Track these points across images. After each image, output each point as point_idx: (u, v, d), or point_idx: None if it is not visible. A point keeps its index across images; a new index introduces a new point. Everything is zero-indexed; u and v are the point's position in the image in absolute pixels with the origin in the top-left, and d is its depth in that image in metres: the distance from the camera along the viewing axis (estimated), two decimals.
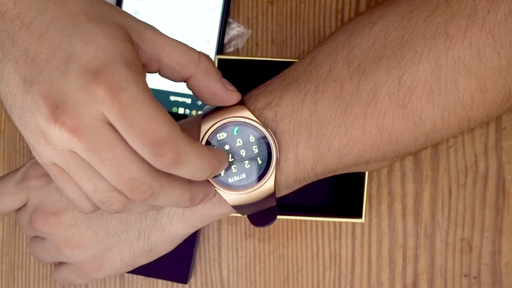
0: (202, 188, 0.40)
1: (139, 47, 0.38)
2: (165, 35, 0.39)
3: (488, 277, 0.58)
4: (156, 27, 0.39)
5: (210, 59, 0.40)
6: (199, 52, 0.40)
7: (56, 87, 0.35)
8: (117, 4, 0.58)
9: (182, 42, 0.39)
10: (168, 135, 0.35)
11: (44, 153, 0.36)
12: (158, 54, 0.38)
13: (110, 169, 0.35)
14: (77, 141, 0.34)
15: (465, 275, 0.58)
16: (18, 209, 0.47)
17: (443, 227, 0.58)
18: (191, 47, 0.39)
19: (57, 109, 0.34)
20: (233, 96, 0.41)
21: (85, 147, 0.35)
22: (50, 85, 0.35)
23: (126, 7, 0.57)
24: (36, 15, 0.36)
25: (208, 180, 0.41)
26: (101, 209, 0.43)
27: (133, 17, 0.39)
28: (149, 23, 0.39)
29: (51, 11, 0.36)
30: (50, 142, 0.35)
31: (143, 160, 0.36)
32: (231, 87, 0.41)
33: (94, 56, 0.34)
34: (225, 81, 0.41)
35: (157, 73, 0.40)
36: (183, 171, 0.36)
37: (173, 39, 0.39)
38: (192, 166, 0.36)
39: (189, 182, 0.38)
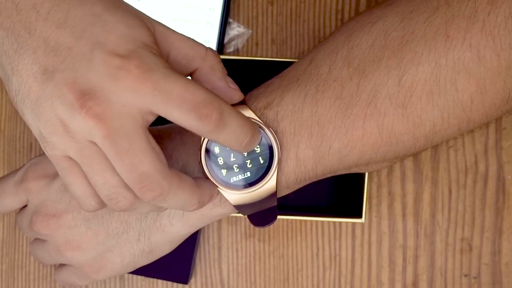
0: (208, 190, 0.40)
1: (154, 37, 0.38)
2: (174, 30, 0.39)
3: (488, 277, 0.58)
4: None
5: (218, 55, 0.40)
6: (207, 48, 0.40)
7: (82, 75, 0.34)
8: None
9: (190, 38, 0.40)
10: (208, 97, 0.35)
11: (58, 144, 0.36)
12: (168, 48, 0.38)
13: (124, 160, 0.35)
14: (99, 128, 0.34)
15: (465, 275, 0.58)
16: (19, 211, 0.47)
17: (443, 227, 0.58)
18: (199, 43, 0.40)
19: (84, 96, 0.34)
20: (234, 94, 0.41)
21: (105, 134, 0.35)
22: (75, 73, 0.35)
23: None
24: (53, 6, 0.36)
25: (210, 180, 0.41)
26: (101, 211, 0.43)
27: (142, 12, 0.39)
28: (163, 23, 0.40)
29: (68, 1, 0.36)
30: (70, 130, 0.35)
31: (157, 156, 0.36)
32: (234, 86, 0.41)
33: (118, 44, 0.35)
34: (229, 79, 0.41)
35: None
36: (227, 133, 0.37)
37: (182, 34, 0.39)
38: (235, 127, 0.37)
39: (197, 185, 0.39)
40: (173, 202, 0.38)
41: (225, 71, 0.40)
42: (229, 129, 0.37)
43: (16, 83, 0.36)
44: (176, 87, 0.35)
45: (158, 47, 0.38)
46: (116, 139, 0.35)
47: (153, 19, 0.39)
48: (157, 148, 0.37)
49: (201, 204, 0.39)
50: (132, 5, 0.39)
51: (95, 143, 0.36)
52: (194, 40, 0.40)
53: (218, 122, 0.36)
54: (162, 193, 0.36)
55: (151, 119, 0.36)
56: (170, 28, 0.39)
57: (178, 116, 0.35)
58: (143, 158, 0.35)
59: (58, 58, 0.35)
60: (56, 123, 0.35)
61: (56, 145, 0.36)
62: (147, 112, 0.35)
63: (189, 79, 0.36)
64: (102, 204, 0.39)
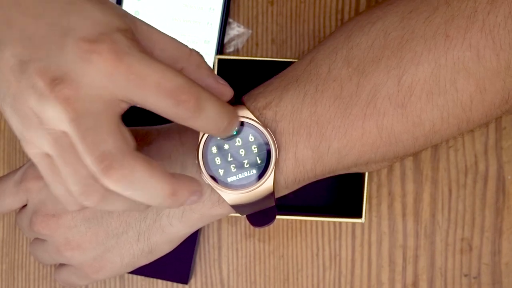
0: (186, 183, 0.37)
1: (131, 27, 0.37)
2: (158, 30, 0.38)
3: (488, 277, 0.58)
4: (156, 27, 0.39)
5: (202, 56, 0.40)
6: (191, 48, 0.39)
7: (54, 62, 0.34)
8: (117, 4, 0.58)
9: (174, 38, 0.39)
10: (186, 82, 0.35)
11: (34, 139, 0.35)
12: (151, 47, 0.38)
13: (86, 139, 0.34)
14: (67, 111, 0.33)
15: (465, 275, 0.58)
16: (19, 211, 0.47)
17: (443, 227, 0.58)
18: (183, 43, 0.39)
19: (55, 81, 0.33)
20: (224, 89, 0.40)
21: (72, 117, 0.33)
22: (48, 61, 0.34)
23: (126, 7, 0.57)
24: (33, 0, 0.35)
25: (201, 178, 0.40)
26: (101, 211, 0.43)
27: (127, 11, 0.39)
28: (149, 23, 0.39)
29: None
30: (43, 121, 0.34)
31: (122, 137, 0.35)
32: (223, 81, 0.40)
33: (92, 28, 0.34)
34: (217, 76, 0.40)
35: None
36: (204, 119, 0.36)
37: (166, 34, 0.39)
38: (213, 112, 0.36)
39: (170, 174, 0.36)
40: (139, 189, 0.35)
41: (211, 69, 0.40)
42: (207, 115, 0.36)
43: None
44: (152, 71, 0.34)
45: (139, 40, 0.37)
46: (81, 121, 0.34)
47: (137, 18, 0.38)
48: (126, 132, 0.35)
49: (176, 198, 0.36)
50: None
51: (67, 134, 0.35)
52: (178, 41, 0.39)
53: (195, 108, 0.35)
54: (124, 174, 0.34)
55: (124, 106, 0.35)
56: (153, 27, 0.38)
57: (154, 102, 0.34)
58: (106, 137, 0.34)
59: (33, 48, 0.34)
60: (31, 116, 0.35)
61: (33, 141, 0.36)
62: (120, 97, 0.34)
63: (165, 64, 0.35)
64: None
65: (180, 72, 0.35)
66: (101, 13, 0.35)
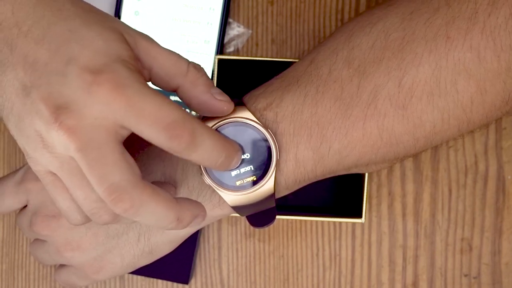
0: (190, 208, 0.38)
1: (133, 51, 0.38)
2: (158, 44, 0.39)
3: (488, 277, 0.58)
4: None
5: (201, 69, 0.40)
6: (189, 63, 0.40)
7: (56, 90, 0.35)
8: (117, 4, 0.57)
9: (174, 52, 0.39)
10: (181, 117, 0.35)
11: (40, 159, 0.36)
12: (150, 63, 0.38)
13: (94, 171, 0.35)
14: (71, 141, 0.34)
15: (465, 275, 0.58)
16: (19, 212, 0.47)
17: (443, 227, 0.58)
18: (182, 58, 0.39)
19: (58, 110, 0.34)
20: (222, 106, 0.40)
21: (77, 147, 0.35)
22: (50, 88, 0.35)
23: (126, 7, 0.57)
24: (33, 22, 0.36)
25: (202, 179, 0.40)
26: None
27: (127, 25, 0.39)
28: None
29: (47, 18, 0.36)
30: (48, 145, 0.35)
31: (129, 168, 0.36)
32: (221, 97, 0.40)
33: (93, 58, 0.35)
34: (216, 90, 0.40)
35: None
36: (200, 154, 0.36)
37: (165, 49, 0.39)
38: (208, 147, 0.36)
39: (175, 200, 0.38)
40: (147, 216, 0.36)
41: (210, 83, 0.40)
42: (202, 150, 0.36)
43: (1, 99, 0.37)
44: (148, 104, 0.35)
45: (140, 61, 0.38)
46: (87, 151, 0.35)
47: (138, 33, 0.38)
48: (131, 160, 0.36)
49: (180, 222, 0.38)
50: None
51: (73, 158, 0.36)
52: (178, 56, 0.39)
53: (189, 143, 0.35)
54: (133, 205, 0.35)
55: (125, 133, 0.36)
56: (154, 42, 0.39)
57: (149, 134, 0.35)
58: (113, 169, 0.35)
59: (35, 74, 0.35)
60: (36, 139, 0.36)
61: (38, 161, 0.37)
62: (120, 126, 0.35)
63: (163, 96, 0.36)
64: (88, 218, 0.39)
65: (177, 105, 0.36)
66: (101, 40, 0.36)
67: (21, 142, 0.37)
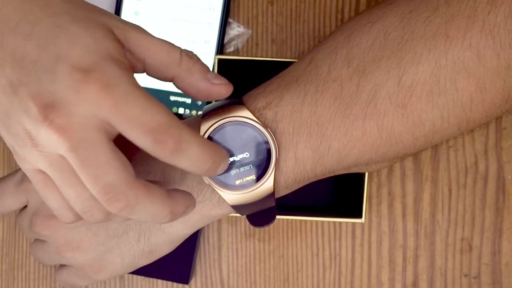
0: (182, 200, 0.38)
1: (123, 46, 0.37)
2: (150, 34, 0.38)
3: (488, 277, 0.58)
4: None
5: (194, 55, 0.40)
6: (182, 51, 0.39)
7: (45, 88, 0.34)
8: (117, 4, 0.58)
9: (167, 42, 0.39)
10: (166, 122, 0.35)
11: (29, 158, 0.36)
12: (142, 54, 0.38)
13: (88, 172, 0.35)
14: (62, 140, 0.34)
15: (465, 275, 0.58)
16: (19, 212, 0.47)
17: (443, 227, 0.58)
18: (175, 46, 0.39)
19: (47, 108, 0.34)
20: (220, 90, 0.40)
21: (68, 147, 0.34)
22: (39, 86, 0.34)
23: (126, 7, 0.57)
24: (21, 18, 0.35)
25: (201, 179, 0.40)
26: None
27: (118, 17, 0.38)
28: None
29: (35, 13, 0.36)
30: (38, 144, 0.35)
31: (123, 167, 0.35)
32: (218, 81, 0.40)
33: (82, 56, 0.34)
34: (212, 75, 0.40)
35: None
36: (185, 160, 0.36)
37: (158, 38, 0.39)
38: (194, 154, 0.36)
39: (168, 195, 0.37)
40: (142, 214, 0.36)
41: (205, 70, 0.40)
42: (187, 157, 0.36)
43: None
44: (134, 108, 0.34)
45: (132, 53, 0.37)
46: (79, 151, 0.34)
47: (128, 24, 0.38)
48: (123, 158, 0.36)
49: (173, 215, 0.38)
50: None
51: (64, 156, 0.35)
52: (171, 45, 0.39)
53: (173, 149, 0.35)
54: (128, 204, 0.35)
55: (115, 131, 0.35)
56: (146, 33, 0.38)
57: (134, 137, 0.35)
58: (107, 169, 0.35)
59: (23, 71, 0.35)
60: (24, 137, 0.35)
61: (27, 159, 0.36)
62: (108, 124, 0.35)
63: (152, 99, 0.35)
64: (80, 216, 0.39)
65: (165, 109, 0.35)
66: (90, 37, 0.35)
67: (9, 141, 0.37)
